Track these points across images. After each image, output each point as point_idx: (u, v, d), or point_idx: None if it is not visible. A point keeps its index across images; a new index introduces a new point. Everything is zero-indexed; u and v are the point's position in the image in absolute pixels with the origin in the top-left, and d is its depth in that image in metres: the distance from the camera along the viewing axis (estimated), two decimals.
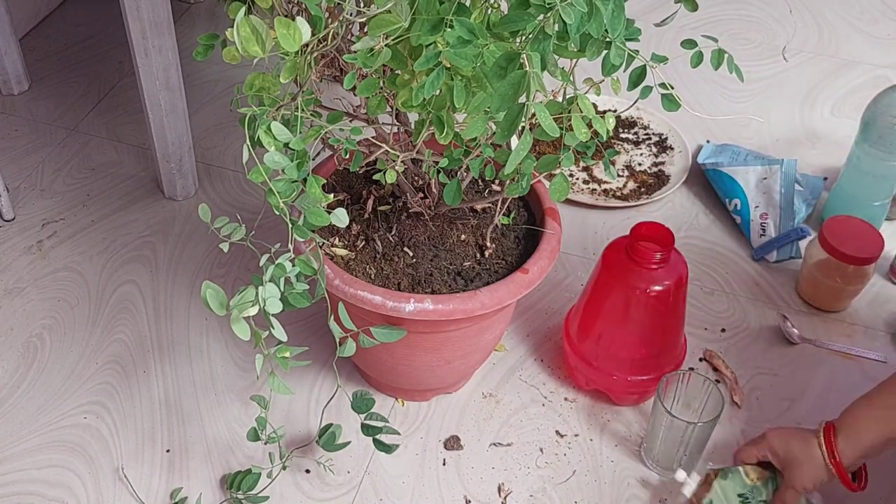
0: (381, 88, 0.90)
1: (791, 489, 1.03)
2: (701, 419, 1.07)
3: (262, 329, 0.83)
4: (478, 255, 1.08)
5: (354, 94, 0.89)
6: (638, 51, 0.83)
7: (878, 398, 1.00)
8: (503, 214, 1.10)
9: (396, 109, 0.93)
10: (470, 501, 1.11)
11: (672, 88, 0.86)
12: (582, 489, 1.12)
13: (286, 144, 0.83)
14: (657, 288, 1.10)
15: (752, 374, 1.25)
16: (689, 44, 0.90)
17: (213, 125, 1.61)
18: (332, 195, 0.91)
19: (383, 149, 0.95)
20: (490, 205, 1.13)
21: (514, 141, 0.75)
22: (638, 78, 0.87)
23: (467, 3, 0.81)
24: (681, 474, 1.08)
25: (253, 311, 0.81)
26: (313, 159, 0.89)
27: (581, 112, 0.84)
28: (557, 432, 1.18)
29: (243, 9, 0.79)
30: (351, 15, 0.80)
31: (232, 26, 0.79)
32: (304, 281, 0.88)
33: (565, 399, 1.22)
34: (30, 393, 1.20)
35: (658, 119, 1.62)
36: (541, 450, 1.16)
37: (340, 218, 0.84)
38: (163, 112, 1.35)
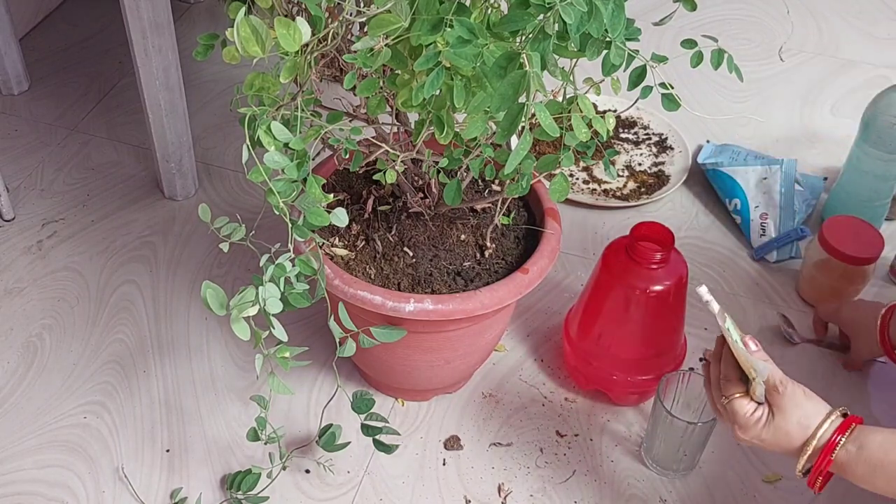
0: (381, 88, 0.90)
1: (854, 354, 1.22)
2: (701, 419, 1.07)
3: (262, 329, 0.83)
4: (478, 255, 1.08)
5: (354, 94, 0.89)
6: (638, 51, 0.83)
7: None
8: (503, 214, 1.10)
9: (396, 109, 0.93)
10: (470, 501, 1.11)
11: (672, 88, 0.86)
12: (582, 489, 1.12)
13: (286, 144, 0.83)
14: (657, 288, 1.10)
15: None
16: (689, 44, 0.90)
17: (213, 125, 1.61)
18: (332, 195, 0.91)
19: (383, 149, 0.95)
20: (490, 205, 1.13)
21: (514, 141, 0.75)
22: (638, 78, 0.87)
23: (467, 3, 0.81)
24: (704, 291, 0.97)
25: (253, 311, 0.81)
26: (313, 159, 0.89)
27: (581, 112, 0.84)
28: (557, 432, 1.18)
29: (243, 9, 0.79)
30: (351, 15, 0.80)
31: (232, 26, 0.79)
32: (304, 281, 0.88)
33: (565, 399, 1.22)
34: (30, 393, 1.20)
35: (658, 119, 1.62)
36: (541, 450, 1.16)
37: (340, 218, 0.84)
38: (163, 112, 1.35)
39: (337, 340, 0.95)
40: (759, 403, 0.91)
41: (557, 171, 0.92)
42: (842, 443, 0.87)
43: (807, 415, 0.89)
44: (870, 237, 1.28)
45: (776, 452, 0.91)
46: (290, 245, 0.85)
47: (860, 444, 0.87)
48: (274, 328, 0.84)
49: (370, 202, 1.11)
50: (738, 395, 0.91)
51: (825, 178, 1.51)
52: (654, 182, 1.51)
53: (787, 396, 0.89)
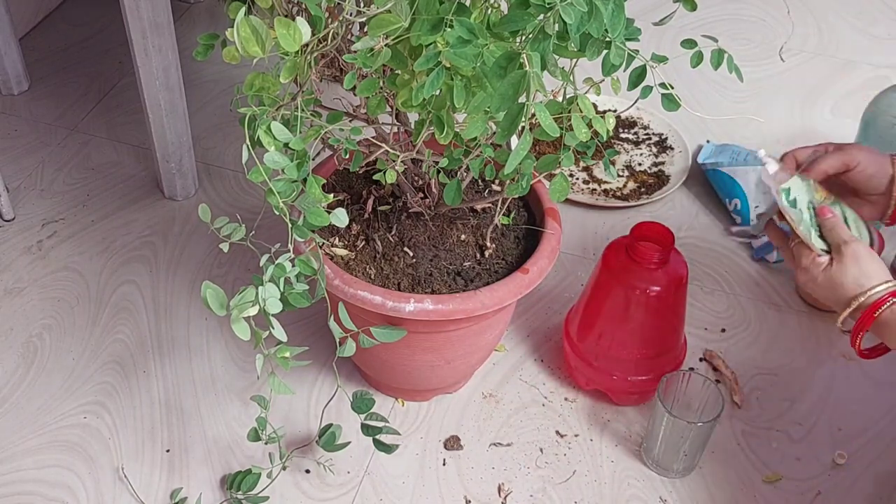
0: (381, 88, 0.90)
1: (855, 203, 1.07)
2: (701, 419, 1.07)
3: (262, 329, 0.83)
4: (478, 255, 1.08)
5: (354, 94, 0.89)
6: (638, 51, 0.83)
7: None
8: (503, 214, 1.10)
9: (396, 109, 0.93)
10: (470, 501, 1.11)
11: (672, 88, 0.86)
12: (582, 489, 1.12)
13: (286, 144, 0.83)
14: (657, 288, 1.10)
15: (752, 374, 1.25)
16: (689, 44, 0.90)
17: (213, 125, 1.61)
18: (332, 195, 0.91)
19: (383, 149, 0.95)
20: (490, 205, 1.13)
21: (514, 141, 0.75)
22: (638, 78, 0.87)
23: (467, 3, 0.81)
24: (763, 153, 1.04)
25: (253, 311, 0.81)
26: (313, 159, 0.89)
27: (581, 112, 0.84)
28: (557, 432, 1.18)
29: (243, 9, 0.79)
30: (351, 15, 0.80)
31: (232, 26, 0.79)
32: (304, 281, 0.88)
33: (565, 399, 1.22)
34: (30, 393, 1.20)
35: (658, 119, 1.62)
36: (541, 450, 1.16)
37: (340, 218, 0.84)
38: (163, 112, 1.35)
39: (337, 340, 0.95)
40: (822, 253, 0.98)
41: (557, 171, 0.92)
42: (890, 303, 0.94)
43: (865, 274, 0.96)
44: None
45: (825, 301, 0.99)
46: (290, 245, 0.85)
47: None
48: (274, 328, 0.84)
49: (370, 202, 1.11)
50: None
51: None
52: (654, 182, 1.51)
53: (850, 253, 0.96)
